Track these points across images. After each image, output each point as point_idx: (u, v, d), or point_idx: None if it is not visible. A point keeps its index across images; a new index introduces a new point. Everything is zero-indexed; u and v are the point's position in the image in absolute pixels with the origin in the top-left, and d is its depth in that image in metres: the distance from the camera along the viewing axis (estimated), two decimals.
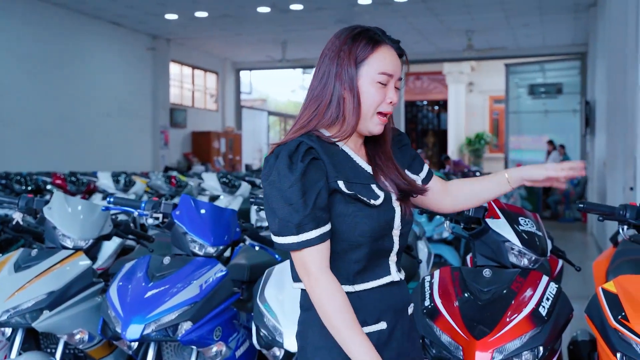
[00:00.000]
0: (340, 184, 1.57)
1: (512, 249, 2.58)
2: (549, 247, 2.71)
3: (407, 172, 1.75)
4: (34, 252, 3.10)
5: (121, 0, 12.32)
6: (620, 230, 2.50)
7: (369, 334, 1.60)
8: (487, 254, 2.62)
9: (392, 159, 1.70)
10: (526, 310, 2.35)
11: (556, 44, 16.22)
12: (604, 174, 9.09)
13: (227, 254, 3.69)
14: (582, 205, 2.47)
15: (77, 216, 3.20)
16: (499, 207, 2.65)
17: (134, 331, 2.62)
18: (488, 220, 2.59)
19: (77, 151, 13.00)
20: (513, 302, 2.39)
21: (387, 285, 1.66)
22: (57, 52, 12.73)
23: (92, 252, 3.28)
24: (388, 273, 1.66)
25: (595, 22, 11.62)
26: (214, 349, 2.76)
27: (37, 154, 11.91)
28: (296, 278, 1.65)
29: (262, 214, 4.33)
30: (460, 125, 22.95)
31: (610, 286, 2.34)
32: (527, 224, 2.65)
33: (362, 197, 1.59)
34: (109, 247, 4.19)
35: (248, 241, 3.20)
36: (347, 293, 1.59)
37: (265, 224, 4.49)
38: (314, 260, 1.54)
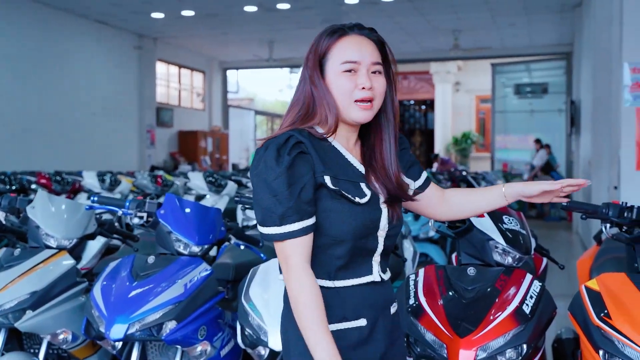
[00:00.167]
0: (327, 179, 1.58)
1: (496, 247, 2.60)
2: (533, 245, 2.73)
3: (402, 176, 1.74)
4: (17, 251, 3.08)
5: None
6: (603, 229, 2.52)
7: (348, 330, 1.61)
8: (471, 253, 2.63)
9: (385, 161, 1.70)
10: (510, 308, 2.36)
11: (542, 44, 16.32)
12: (589, 173, 9.15)
13: (213, 253, 3.68)
14: (565, 204, 2.48)
15: (60, 215, 3.18)
16: None
17: (117, 331, 2.60)
18: (472, 219, 2.60)
19: (63, 150, 12.92)
20: (497, 300, 2.40)
21: (368, 284, 1.66)
22: (42, 51, 12.64)
23: (76, 251, 3.26)
24: (370, 273, 1.66)
25: (580, 22, 11.68)
26: (199, 348, 2.75)
27: (21, 153, 11.83)
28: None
29: (248, 212, 4.31)
30: (447, 125, 23.05)
31: (593, 284, 2.35)
32: (511, 223, 2.66)
33: (346, 194, 1.59)
34: (94, 246, 4.16)
35: (233, 240, 3.19)
36: (326, 288, 1.60)
37: (252, 223, 4.48)
38: (294, 253, 1.55)
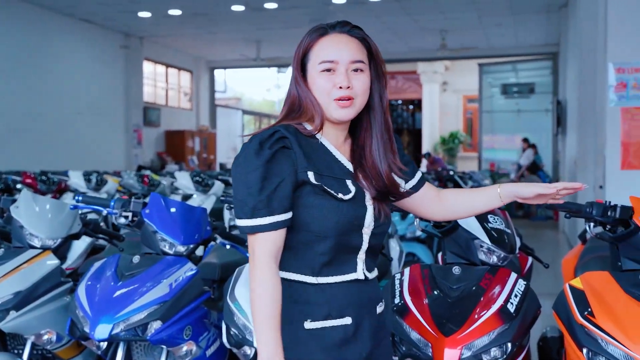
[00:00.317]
0: (310, 174, 1.59)
1: (482, 246, 2.61)
2: (518, 244, 2.74)
3: (393, 175, 1.74)
4: (1, 251, 3.06)
5: None
6: (587, 228, 2.53)
7: (333, 328, 1.61)
8: (456, 252, 2.64)
9: (375, 159, 1.70)
10: (494, 307, 2.37)
11: (528, 44, 16.39)
12: (574, 172, 9.20)
13: (199, 252, 3.67)
14: (549, 203, 2.49)
15: (44, 215, 3.16)
16: None
17: (102, 331, 2.59)
18: None
19: (48, 150, 12.83)
20: (482, 299, 2.41)
21: (352, 282, 1.66)
22: (27, 50, 12.54)
23: (60, 251, 3.24)
24: (354, 270, 1.66)
25: (566, 23, 11.74)
26: (184, 348, 2.74)
27: (6, 153, 11.73)
28: None
29: None
30: (435, 125, 23.11)
31: (577, 282, 2.37)
32: (496, 222, 2.67)
33: (329, 190, 1.60)
34: (79, 246, 4.14)
35: (219, 240, 3.18)
36: (310, 284, 1.61)
37: None
38: (262, 247, 1.56)
